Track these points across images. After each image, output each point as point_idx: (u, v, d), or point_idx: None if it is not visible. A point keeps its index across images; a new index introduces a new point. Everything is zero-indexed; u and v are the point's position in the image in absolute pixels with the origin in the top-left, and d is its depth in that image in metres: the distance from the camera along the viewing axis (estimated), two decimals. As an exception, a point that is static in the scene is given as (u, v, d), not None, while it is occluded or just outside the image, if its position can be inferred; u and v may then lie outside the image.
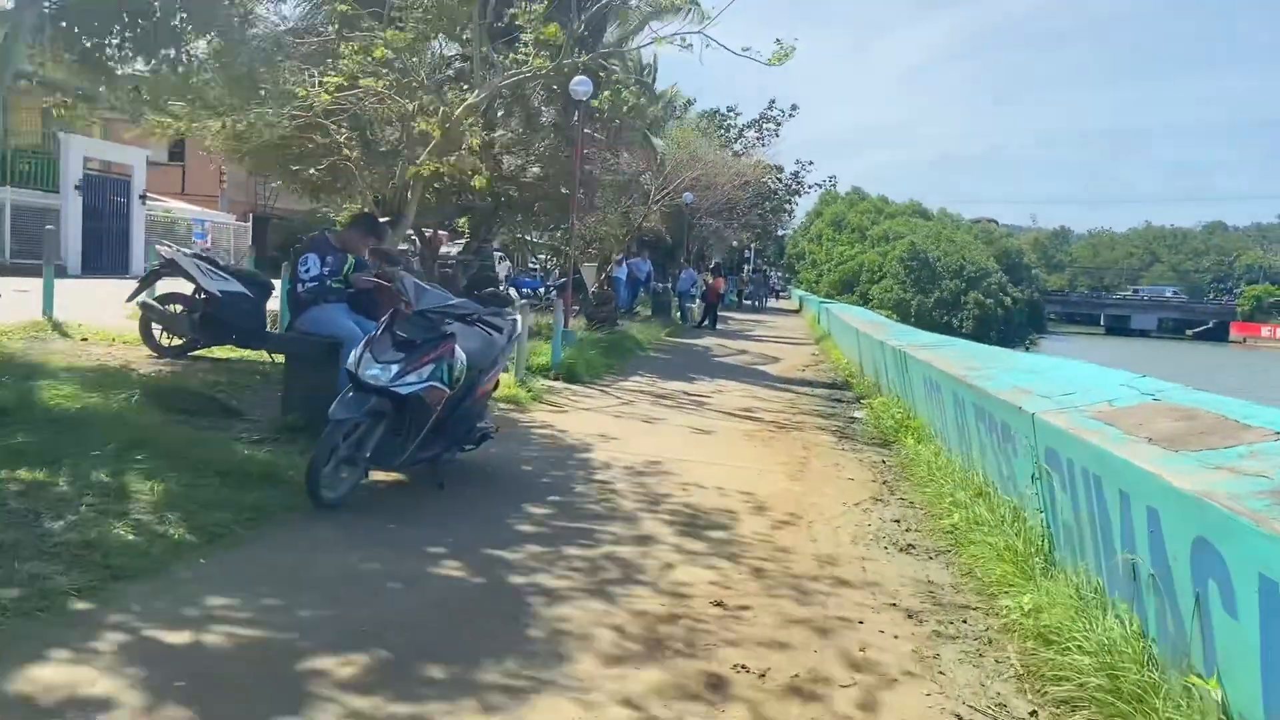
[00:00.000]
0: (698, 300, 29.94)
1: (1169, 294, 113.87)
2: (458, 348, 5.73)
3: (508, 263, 30.22)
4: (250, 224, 33.97)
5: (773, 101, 50.16)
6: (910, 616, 4.44)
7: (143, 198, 27.04)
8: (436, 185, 14.30)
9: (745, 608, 4.41)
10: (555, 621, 4.04)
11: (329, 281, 6.96)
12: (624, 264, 25.10)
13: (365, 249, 7.34)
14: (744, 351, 20.83)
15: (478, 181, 12.43)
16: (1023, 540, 4.89)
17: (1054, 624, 3.91)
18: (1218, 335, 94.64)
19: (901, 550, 5.60)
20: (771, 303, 62.72)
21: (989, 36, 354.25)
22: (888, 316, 30.31)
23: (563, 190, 17.30)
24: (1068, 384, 5.37)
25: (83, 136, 23.17)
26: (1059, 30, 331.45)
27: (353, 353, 5.46)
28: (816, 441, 9.37)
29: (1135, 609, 3.55)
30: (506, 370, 7.64)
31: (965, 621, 4.42)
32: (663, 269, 40.85)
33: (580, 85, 13.53)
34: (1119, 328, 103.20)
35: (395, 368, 5.36)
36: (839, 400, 13.16)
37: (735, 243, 56.48)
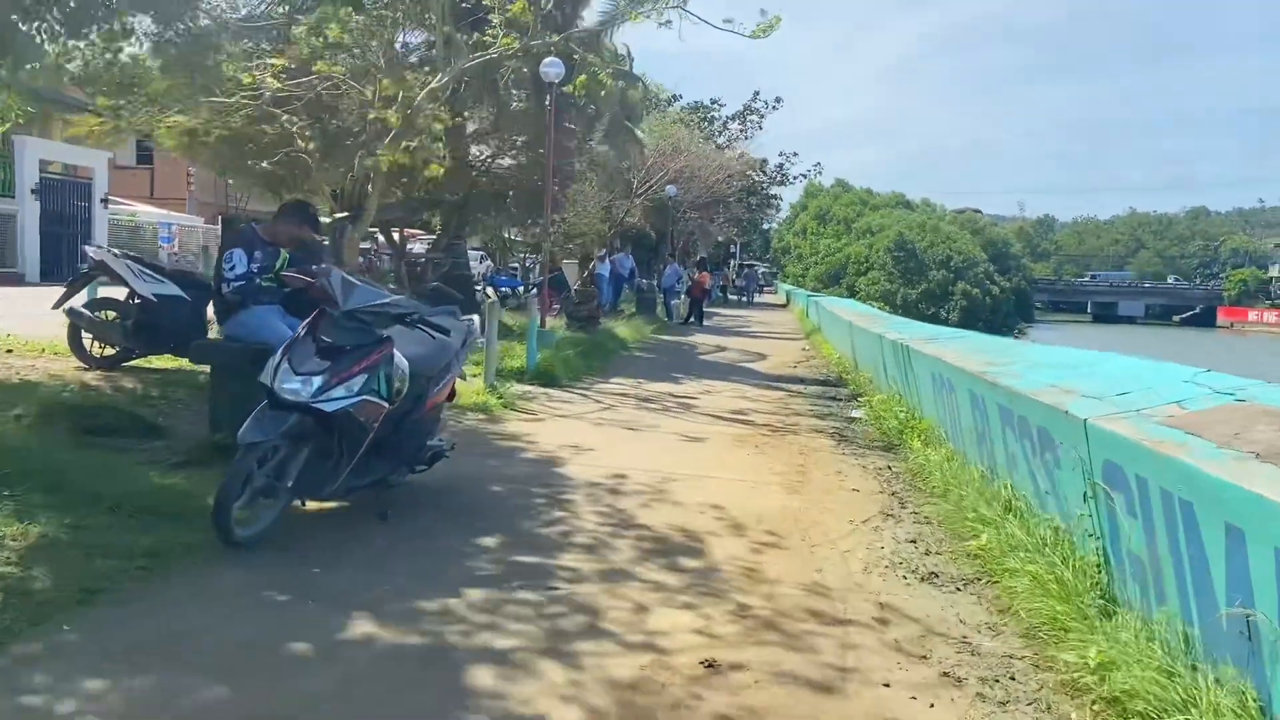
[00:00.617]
0: (682, 296, 29.09)
1: (1126, 280, 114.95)
2: (397, 354, 4.87)
3: (489, 261, 29.33)
4: (220, 226, 32.95)
5: (757, 93, 49.46)
6: (946, 675, 3.61)
7: (104, 201, 25.99)
8: (404, 179, 13.44)
9: (741, 666, 3.58)
10: (507, 700, 3.20)
11: (258, 280, 6.10)
12: (606, 260, 24.26)
13: (299, 241, 6.47)
14: (731, 349, 20.01)
15: (433, 169, 11.56)
16: (1072, 571, 4.07)
17: (1134, 688, 3.09)
18: (1205, 320, 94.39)
19: (923, 580, 4.78)
20: (758, 297, 61.95)
21: (970, 30, 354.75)
22: (880, 309, 29.53)
23: (536, 181, 16.46)
24: (1118, 381, 4.55)
25: (39, 139, 22.16)
26: (1040, 23, 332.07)
27: (269, 362, 4.58)
28: (814, 446, 8.55)
29: (1250, 677, 2.74)
30: (464, 378, 6.76)
31: (1013, 678, 3.60)
32: (648, 265, 40.07)
33: (551, 67, 12.67)
34: (1106, 315, 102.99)
35: (318, 380, 4.49)
36: (834, 398, 12.35)
37: (720, 238, 55.73)
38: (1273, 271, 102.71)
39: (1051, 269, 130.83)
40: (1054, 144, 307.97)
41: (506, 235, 22.75)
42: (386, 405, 4.78)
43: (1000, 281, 67.80)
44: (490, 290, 21.80)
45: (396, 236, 16.64)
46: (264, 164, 12.25)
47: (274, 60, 11.05)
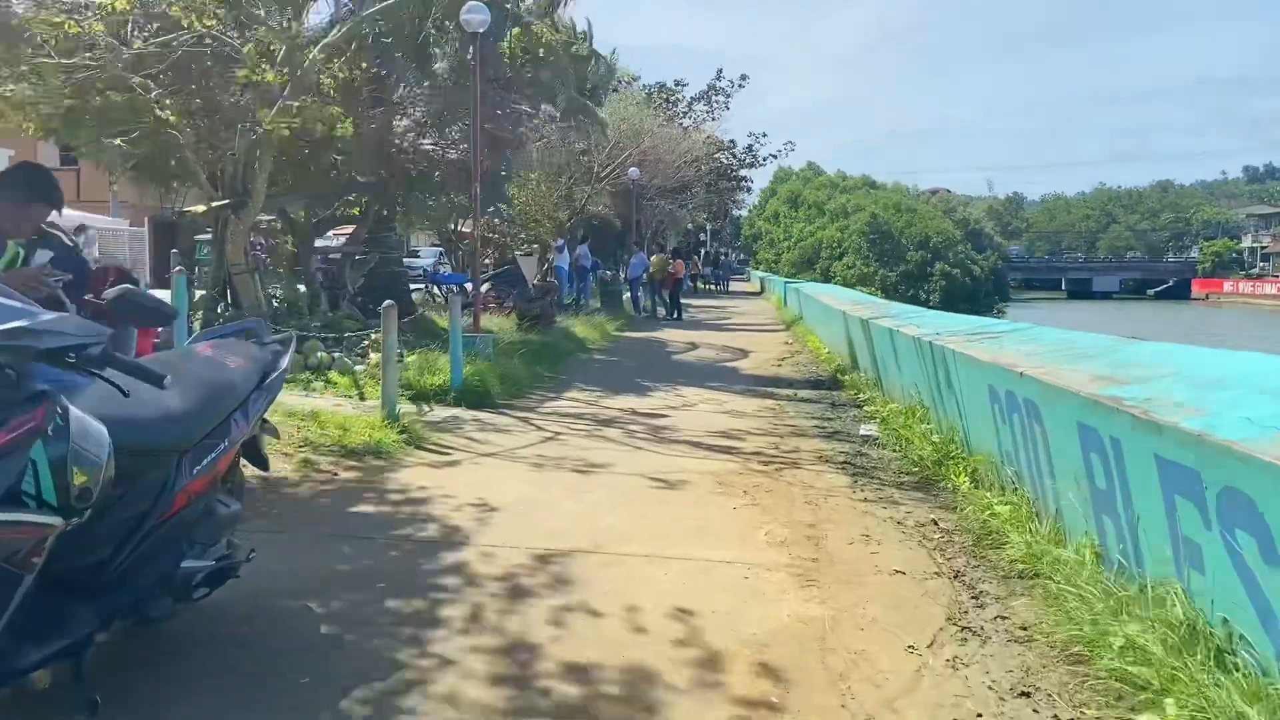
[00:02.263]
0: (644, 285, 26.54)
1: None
2: (81, 418, 2.56)
3: (448, 260, 26.67)
4: (147, 229, 30.34)
5: (720, 71, 47.18)
6: None
7: None
8: (301, 155, 11.07)
9: None
10: None
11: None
12: (564, 250, 21.95)
13: (35, 226, 4.12)
14: (706, 345, 17.73)
15: (344, 127, 9.26)
16: None
17: None
18: (1179, 293, 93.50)
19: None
20: (731, 285, 59.81)
21: (924, 11, 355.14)
22: (870, 294, 27.21)
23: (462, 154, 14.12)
24: None
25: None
26: (997, 2, 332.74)
27: None
28: (825, 488, 6.31)
29: None
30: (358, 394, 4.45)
31: None
32: (614, 256, 37.74)
33: (473, 13, 10.33)
34: (1081, 291, 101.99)
35: None
36: (833, 406, 10.15)
37: (690, 225, 53.50)
38: (1246, 241, 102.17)
39: (1024, 246, 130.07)
40: (1013, 122, 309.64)
41: (452, 227, 20.29)
42: (57, 522, 2.49)
43: (980, 261, 66.22)
44: (436, 289, 19.46)
45: (341, 237, 14.24)
46: (118, 141, 9.84)
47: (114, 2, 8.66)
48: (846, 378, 11.63)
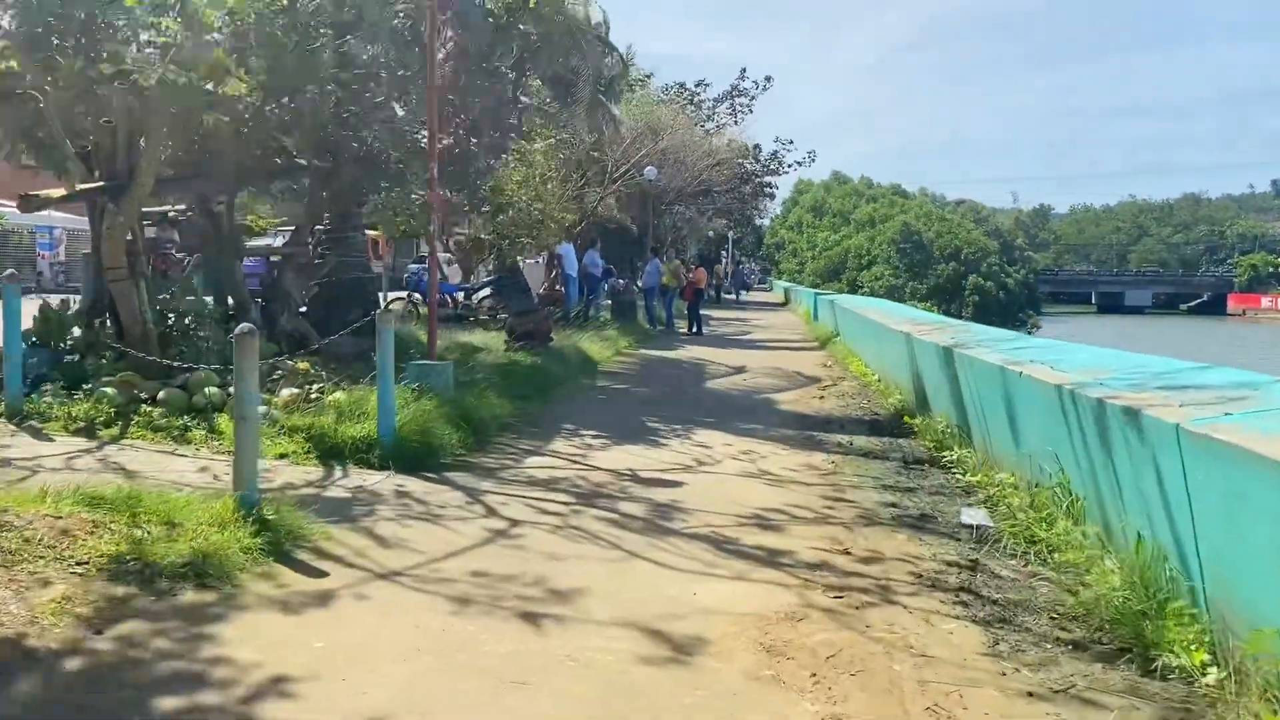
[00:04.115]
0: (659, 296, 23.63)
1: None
2: None
3: (455, 265, 23.91)
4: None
5: (744, 71, 44.51)
6: None
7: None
8: (226, 121, 8.54)
9: None
10: None
11: None
12: (569, 250, 19.40)
13: None
14: (734, 367, 15.04)
15: (233, 89, 6.72)
16: None
17: None
18: (1215, 308, 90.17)
19: None
20: (744, 295, 57.11)
21: (947, 24, 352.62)
22: (926, 309, 24.22)
23: (470, 145, 11.59)
24: None
25: None
26: (1018, 13, 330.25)
27: None
28: (949, 658, 3.65)
29: None
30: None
31: None
32: (630, 263, 35.10)
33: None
34: (1111, 305, 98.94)
35: None
36: (905, 463, 7.51)
37: (711, 232, 50.87)
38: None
39: (1051, 259, 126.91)
40: (1037, 133, 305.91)
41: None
42: None
43: (1013, 273, 63.29)
44: (418, 296, 16.90)
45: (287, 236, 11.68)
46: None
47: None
48: (918, 423, 8.95)
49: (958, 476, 6.89)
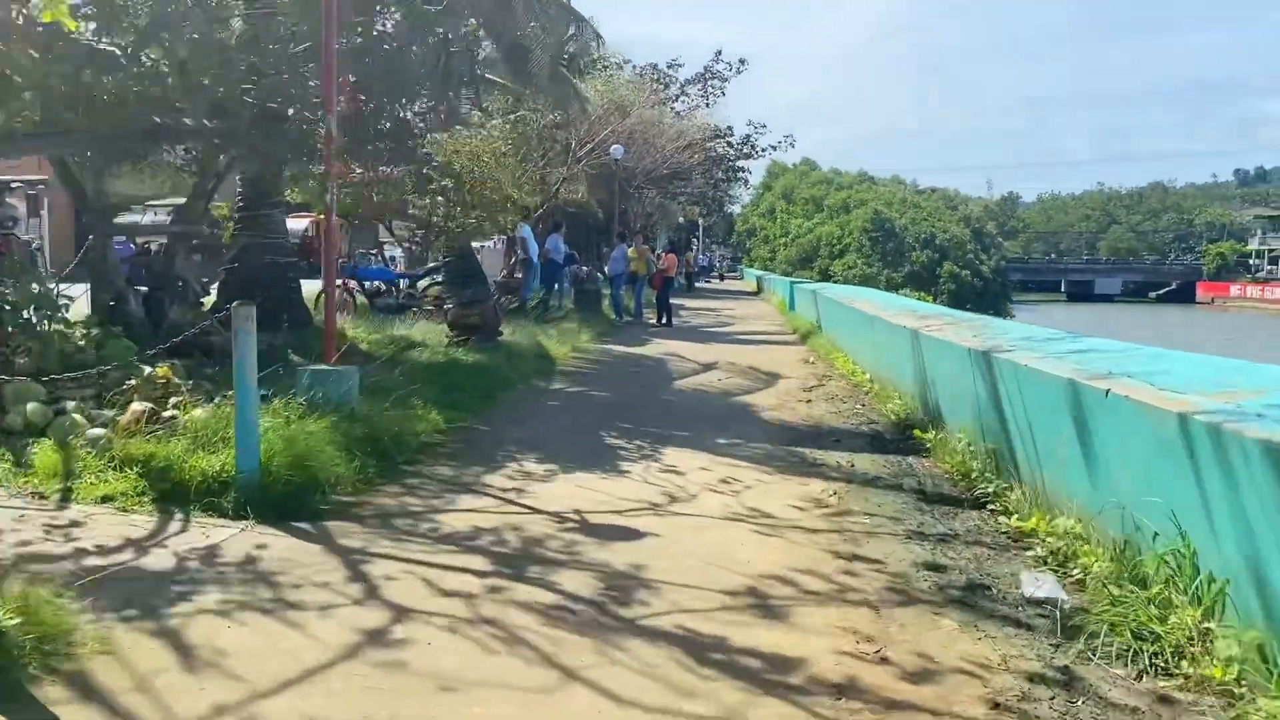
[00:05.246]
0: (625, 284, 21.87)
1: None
2: None
3: (398, 251, 22.12)
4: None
5: (719, 53, 42.90)
6: None
7: None
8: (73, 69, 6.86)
9: None
10: None
11: None
12: (527, 238, 17.75)
13: None
14: (708, 364, 13.42)
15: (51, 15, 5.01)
16: None
17: None
18: (1183, 296, 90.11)
19: None
20: (715, 283, 55.57)
21: (917, 13, 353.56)
22: (920, 299, 22.48)
23: (383, 106, 9.85)
24: None
25: None
26: (983, 3, 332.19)
27: None
28: None
29: None
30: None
31: None
32: (596, 249, 33.38)
33: None
34: (1081, 294, 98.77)
35: None
36: (926, 495, 5.97)
37: (682, 218, 49.30)
38: (1252, 244, 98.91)
39: (1020, 247, 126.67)
40: (1004, 121, 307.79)
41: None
42: None
43: (987, 261, 62.24)
44: (354, 284, 15.13)
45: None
46: None
47: None
48: (929, 438, 7.38)
49: (1000, 519, 5.35)
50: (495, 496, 5.58)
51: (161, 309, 8.57)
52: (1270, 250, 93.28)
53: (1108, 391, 4.18)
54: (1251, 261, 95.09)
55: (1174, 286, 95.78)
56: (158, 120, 7.83)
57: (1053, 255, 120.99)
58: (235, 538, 4.44)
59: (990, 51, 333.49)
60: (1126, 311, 75.91)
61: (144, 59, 7.55)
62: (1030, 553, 4.77)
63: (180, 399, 5.89)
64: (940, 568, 4.55)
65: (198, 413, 5.64)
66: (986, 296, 59.06)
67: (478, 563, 4.33)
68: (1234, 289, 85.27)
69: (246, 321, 4.91)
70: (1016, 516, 5.22)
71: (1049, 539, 4.78)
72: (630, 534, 4.90)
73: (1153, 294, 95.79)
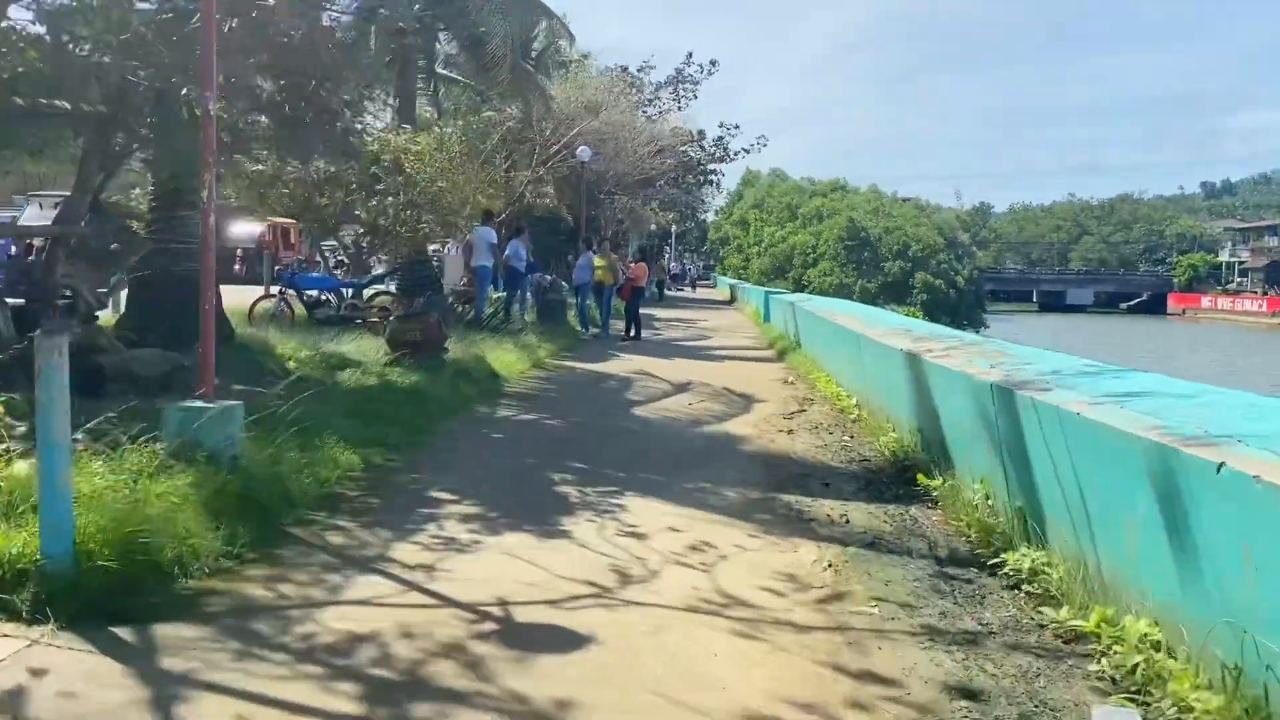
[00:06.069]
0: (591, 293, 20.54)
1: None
2: None
3: (331, 258, 20.45)
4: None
5: (690, 55, 41.89)
6: None
7: None
8: None
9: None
10: None
11: None
12: (477, 240, 16.48)
13: None
14: (678, 385, 12.21)
15: None
16: None
17: None
18: (1154, 308, 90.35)
19: None
20: (687, 291, 54.46)
21: (885, 25, 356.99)
22: (911, 314, 21.38)
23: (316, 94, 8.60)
24: None
25: None
26: (950, 16, 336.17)
27: None
28: None
29: None
30: None
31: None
32: (564, 257, 32.09)
33: None
34: (1053, 304, 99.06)
35: None
36: (941, 565, 4.83)
37: (654, 225, 48.11)
38: (1223, 256, 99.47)
39: (992, 257, 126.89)
40: (976, 132, 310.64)
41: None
42: None
43: (961, 271, 61.62)
44: (291, 293, 13.78)
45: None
46: None
47: None
48: (936, 485, 6.23)
49: (1042, 609, 4.19)
50: (396, 579, 4.34)
51: (35, 323, 7.29)
52: (1240, 262, 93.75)
53: (1220, 466, 3.03)
54: (1223, 273, 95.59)
55: (1145, 298, 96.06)
56: (18, 102, 6.53)
57: (1023, 266, 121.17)
58: (14, 657, 3.20)
59: (957, 64, 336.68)
60: (1101, 323, 75.65)
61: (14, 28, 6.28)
62: (1093, 665, 3.62)
63: (3, 446, 4.62)
64: (979, 695, 3.39)
65: (20, 467, 4.37)
66: (961, 307, 58.49)
67: (342, 702, 3.09)
68: (1205, 301, 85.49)
69: (55, 355, 3.66)
70: (1067, 609, 4.07)
71: (1115, 648, 3.64)
72: (565, 641, 3.69)
73: (1124, 305, 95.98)
